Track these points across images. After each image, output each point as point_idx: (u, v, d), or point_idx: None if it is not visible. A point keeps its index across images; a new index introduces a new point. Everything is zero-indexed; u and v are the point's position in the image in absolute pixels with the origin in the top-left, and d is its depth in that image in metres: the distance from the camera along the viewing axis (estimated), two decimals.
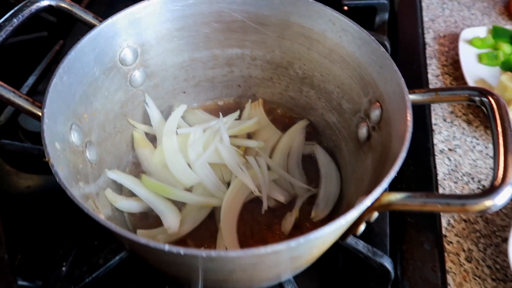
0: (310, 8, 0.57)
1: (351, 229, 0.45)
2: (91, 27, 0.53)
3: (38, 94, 0.77)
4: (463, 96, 0.46)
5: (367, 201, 0.37)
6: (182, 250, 0.33)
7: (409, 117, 0.44)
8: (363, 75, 0.54)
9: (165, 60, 0.61)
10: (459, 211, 0.37)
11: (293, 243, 0.34)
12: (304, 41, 0.60)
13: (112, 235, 0.48)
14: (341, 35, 0.55)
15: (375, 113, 0.52)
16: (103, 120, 0.55)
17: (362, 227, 0.46)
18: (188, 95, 0.68)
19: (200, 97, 0.70)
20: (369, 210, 0.40)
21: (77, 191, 0.41)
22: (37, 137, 0.79)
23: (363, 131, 0.56)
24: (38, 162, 0.74)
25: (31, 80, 0.73)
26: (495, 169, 0.39)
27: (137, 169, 0.63)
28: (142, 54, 0.58)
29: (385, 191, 0.40)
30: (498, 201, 0.36)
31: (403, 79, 0.47)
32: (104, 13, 0.56)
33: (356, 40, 0.54)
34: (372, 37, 0.52)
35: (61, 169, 0.39)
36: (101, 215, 0.47)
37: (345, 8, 0.97)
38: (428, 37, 0.99)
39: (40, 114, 0.44)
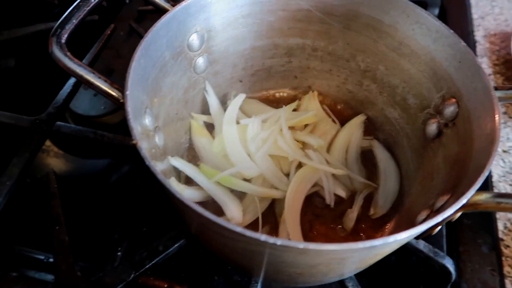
0: None
1: (431, 228, 0.43)
2: (162, 10, 0.53)
3: None
4: None
5: (462, 201, 0.36)
6: (279, 241, 0.32)
7: (498, 115, 0.42)
8: (436, 70, 0.53)
9: (228, 47, 0.60)
10: None
11: (391, 238, 0.33)
12: (372, 33, 0.58)
13: (184, 218, 0.48)
14: (415, 27, 0.54)
15: (450, 110, 0.51)
16: (168, 105, 0.54)
17: (439, 227, 0.44)
18: (244, 84, 0.67)
19: (255, 87, 0.69)
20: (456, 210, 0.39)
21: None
22: (84, 121, 0.79)
23: (432, 128, 0.54)
24: (88, 146, 0.75)
25: None
26: None
27: (193, 157, 0.62)
28: (208, 40, 0.57)
29: None
30: None
31: (487, 75, 0.46)
32: None
33: (432, 33, 0.52)
34: (451, 30, 0.50)
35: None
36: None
37: None
38: (478, 35, 0.96)
39: (116, 95, 0.43)
